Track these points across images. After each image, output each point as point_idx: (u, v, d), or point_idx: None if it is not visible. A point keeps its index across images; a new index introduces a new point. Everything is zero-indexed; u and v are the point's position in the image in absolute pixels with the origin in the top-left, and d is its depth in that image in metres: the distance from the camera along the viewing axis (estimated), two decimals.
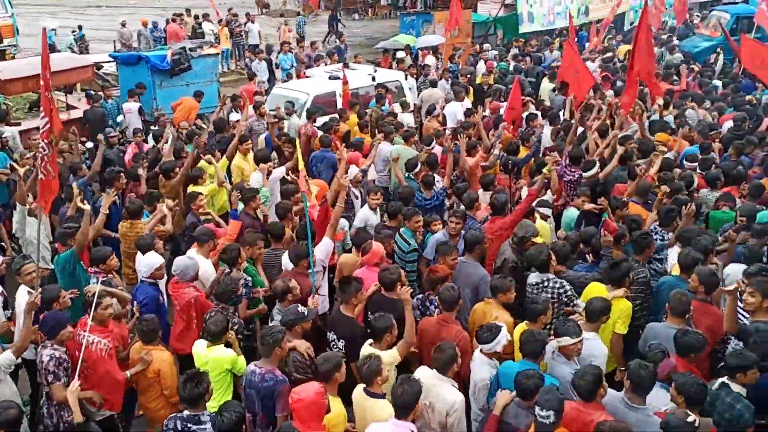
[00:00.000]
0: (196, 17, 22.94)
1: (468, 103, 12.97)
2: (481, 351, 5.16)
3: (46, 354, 5.29)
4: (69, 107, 14.15)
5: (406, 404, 4.36)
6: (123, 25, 22.19)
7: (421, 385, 4.45)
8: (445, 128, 11.57)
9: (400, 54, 17.88)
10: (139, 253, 6.94)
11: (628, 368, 4.68)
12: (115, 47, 22.04)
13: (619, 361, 5.87)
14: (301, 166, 7.06)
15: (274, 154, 10.16)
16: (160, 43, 20.52)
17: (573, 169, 8.77)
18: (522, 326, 5.52)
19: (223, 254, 6.57)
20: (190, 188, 8.70)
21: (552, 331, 5.31)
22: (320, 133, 10.67)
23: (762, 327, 5.32)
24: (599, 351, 5.27)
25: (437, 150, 10.03)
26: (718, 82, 15.01)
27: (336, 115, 11.60)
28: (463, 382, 5.30)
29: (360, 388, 4.86)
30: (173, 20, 21.84)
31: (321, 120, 11.25)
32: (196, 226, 7.53)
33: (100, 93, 13.75)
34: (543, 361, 5.15)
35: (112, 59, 16.37)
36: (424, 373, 4.88)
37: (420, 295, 6.42)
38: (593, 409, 4.45)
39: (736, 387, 4.77)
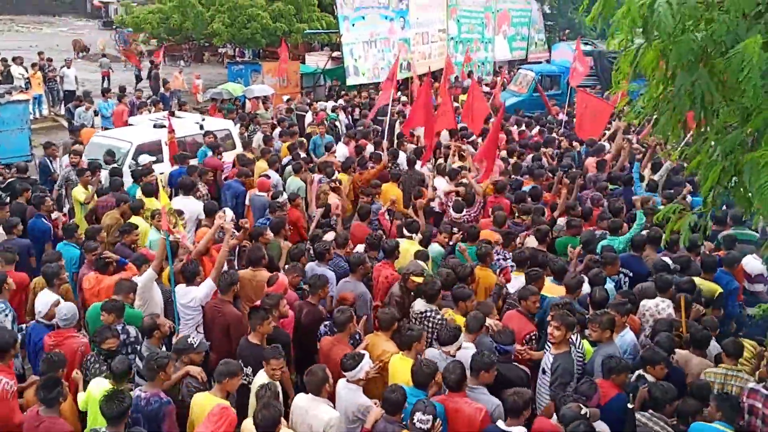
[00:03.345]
0: (4, 60, 21.32)
1: (353, 144, 13.56)
2: (346, 380, 5.40)
3: None
4: None
5: (266, 428, 4.68)
6: None
7: (281, 409, 4.81)
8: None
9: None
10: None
11: None
12: None
13: None
14: (163, 202, 6.98)
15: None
16: None
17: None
18: (399, 356, 5.84)
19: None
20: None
21: (437, 341, 5.98)
22: None
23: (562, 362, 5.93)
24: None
25: None
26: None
27: None
28: None
29: (250, 420, 4.98)
30: None
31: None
32: None
33: None
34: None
35: None
36: (301, 398, 5.29)
37: (327, 323, 6.71)
38: (459, 398, 5.24)
39: (650, 378, 5.71)
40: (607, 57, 23.23)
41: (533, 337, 6.59)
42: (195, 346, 5.76)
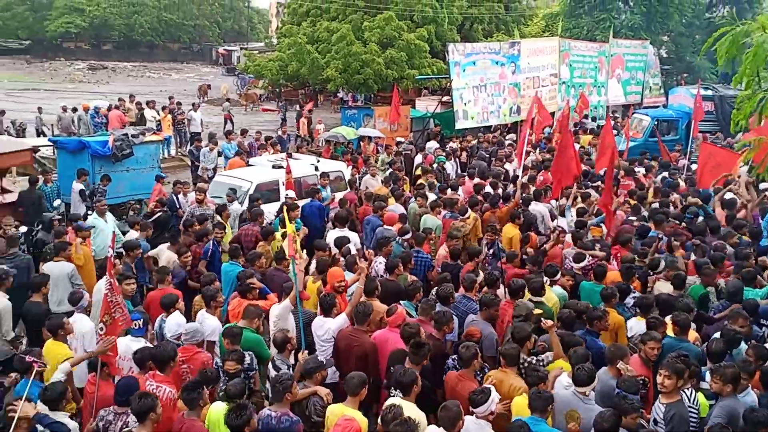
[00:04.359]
0: (138, 104, 23.11)
1: (470, 183, 14.00)
2: (475, 416, 5.47)
3: (133, 420, 5.42)
4: (3, 190, 13.85)
5: None
6: (64, 109, 22.12)
7: (415, 426, 4.93)
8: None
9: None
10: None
11: None
12: (53, 131, 21.88)
13: None
14: (290, 230, 7.52)
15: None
16: (100, 129, 20.48)
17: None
18: (523, 397, 5.87)
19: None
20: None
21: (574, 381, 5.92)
22: None
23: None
24: None
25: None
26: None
27: None
28: None
29: None
30: (116, 107, 21.90)
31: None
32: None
33: (39, 176, 13.53)
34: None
35: (51, 143, 16.25)
36: (432, 431, 5.36)
37: (454, 357, 6.85)
38: None
39: None
40: (728, 101, 22.27)
41: (644, 382, 6.42)
42: (324, 363, 6.15)
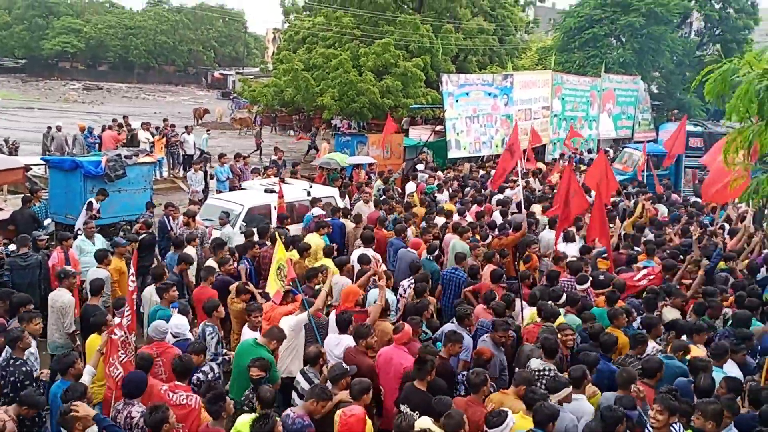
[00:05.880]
0: (129, 125, 23.15)
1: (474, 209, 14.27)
2: None
3: (135, 411, 5.69)
4: None
5: None
6: (58, 129, 22.10)
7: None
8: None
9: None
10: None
11: None
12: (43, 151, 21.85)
13: None
14: (282, 255, 7.94)
15: None
16: (93, 149, 20.45)
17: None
18: (520, 415, 5.89)
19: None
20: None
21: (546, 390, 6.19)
22: None
23: None
24: (586, 409, 6.24)
25: None
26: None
27: None
28: None
29: None
30: (109, 127, 21.91)
31: None
32: None
33: (29, 195, 13.46)
34: None
35: (43, 162, 16.22)
36: None
37: (464, 372, 7.01)
38: None
39: None
40: (717, 138, 22.56)
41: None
42: (348, 371, 6.34)
